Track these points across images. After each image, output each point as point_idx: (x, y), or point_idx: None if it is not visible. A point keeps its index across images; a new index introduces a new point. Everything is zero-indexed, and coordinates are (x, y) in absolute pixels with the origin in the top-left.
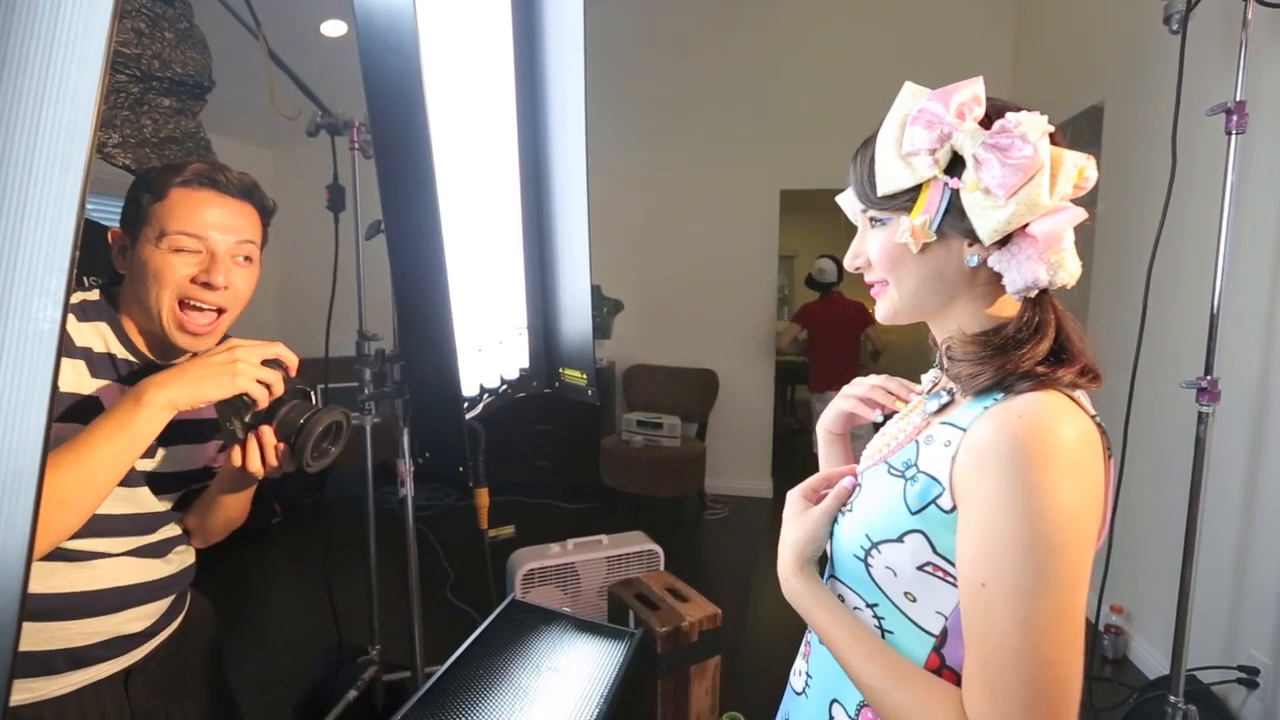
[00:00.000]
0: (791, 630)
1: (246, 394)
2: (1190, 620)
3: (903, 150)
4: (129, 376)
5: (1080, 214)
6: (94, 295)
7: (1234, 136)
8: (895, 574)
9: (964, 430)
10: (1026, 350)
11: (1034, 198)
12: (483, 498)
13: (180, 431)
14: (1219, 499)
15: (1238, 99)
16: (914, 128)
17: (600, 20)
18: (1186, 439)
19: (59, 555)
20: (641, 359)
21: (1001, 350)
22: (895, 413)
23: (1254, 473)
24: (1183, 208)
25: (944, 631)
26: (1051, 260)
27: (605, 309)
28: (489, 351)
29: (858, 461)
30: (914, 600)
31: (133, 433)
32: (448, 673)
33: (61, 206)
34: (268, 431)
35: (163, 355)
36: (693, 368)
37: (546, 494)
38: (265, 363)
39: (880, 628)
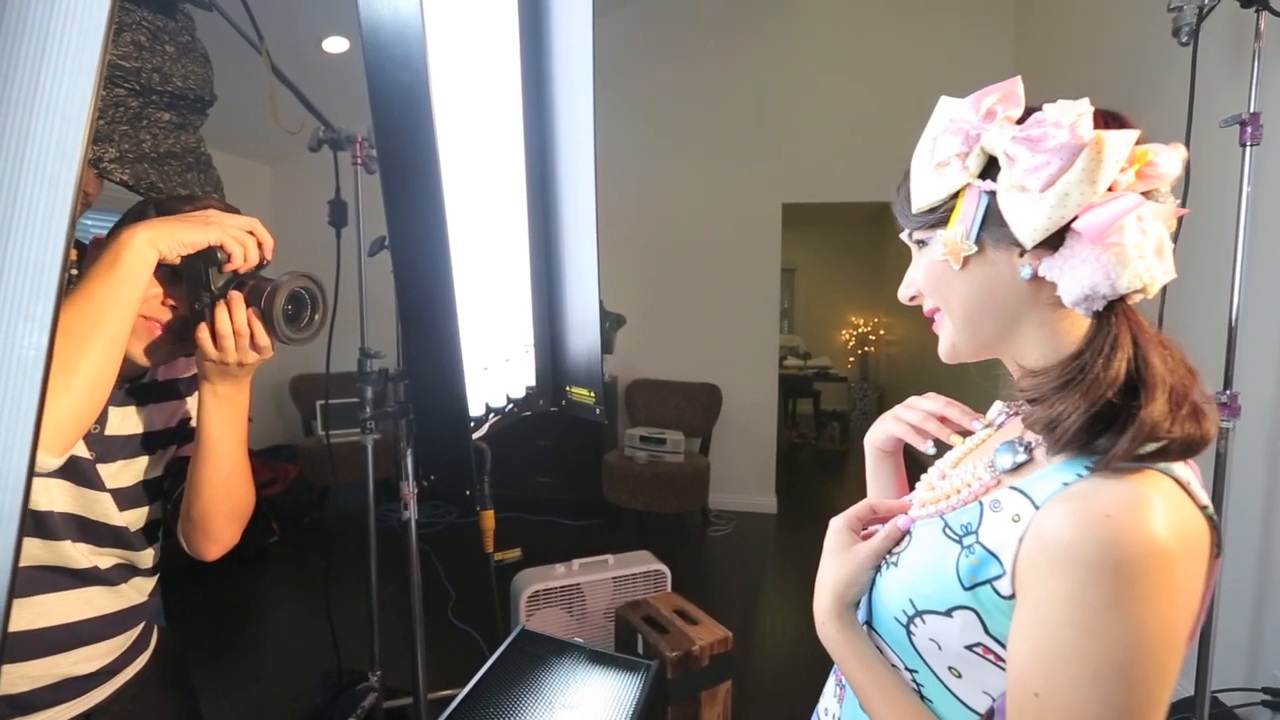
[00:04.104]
0: (802, 651)
1: (222, 247)
2: (1214, 642)
3: (934, 161)
4: None
5: (1137, 201)
6: None
7: (1249, 148)
8: (940, 647)
9: (1036, 507)
10: (1093, 378)
11: (1071, 186)
12: (488, 520)
13: (153, 391)
14: (1238, 516)
15: (1252, 110)
16: (944, 136)
17: (603, 31)
18: (1204, 455)
19: None
20: (644, 374)
21: (1069, 382)
22: (950, 446)
23: (1273, 489)
24: (1194, 220)
25: (990, 711)
26: (1108, 261)
27: (607, 323)
28: (495, 370)
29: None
30: (959, 676)
31: (122, 269)
32: (457, 710)
33: (50, 227)
34: (236, 296)
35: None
36: (695, 382)
37: (548, 510)
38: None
39: (920, 694)
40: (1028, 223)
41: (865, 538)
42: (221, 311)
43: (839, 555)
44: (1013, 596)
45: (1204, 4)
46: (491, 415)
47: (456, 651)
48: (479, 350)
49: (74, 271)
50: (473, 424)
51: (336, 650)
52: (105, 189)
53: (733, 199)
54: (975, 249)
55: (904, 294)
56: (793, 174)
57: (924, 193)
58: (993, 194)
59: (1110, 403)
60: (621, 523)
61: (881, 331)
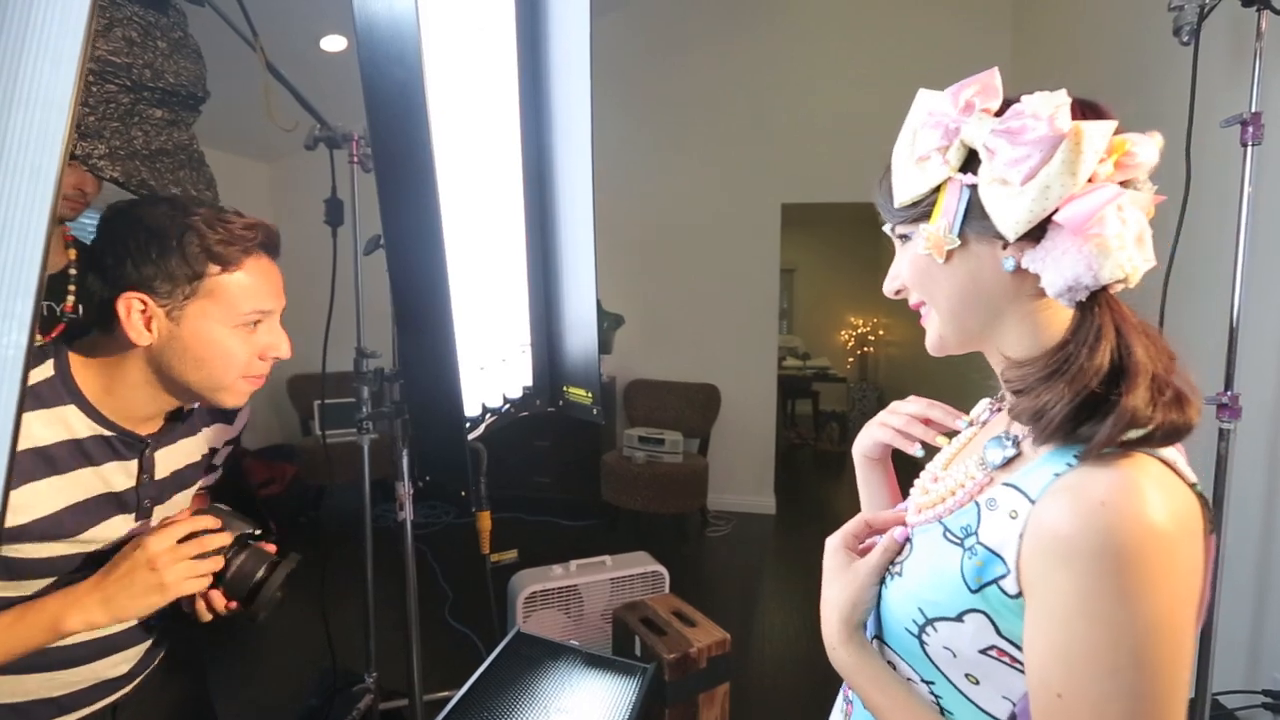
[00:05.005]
0: (801, 653)
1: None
2: (1214, 644)
3: (914, 155)
4: (105, 453)
5: (1116, 192)
6: (45, 370)
7: (1250, 148)
8: (955, 655)
9: (1031, 501)
10: (1078, 367)
11: (1052, 179)
12: (485, 521)
13: (190, 422)
14: (1239, 517)
15: (1253, 110)
16: (923, 130)
17: (601, 32)
18: (1205, 456)
19: None
20: (643, 374)
21: (1055, 372)
22: (937, 448)
23: (1274, 490)
24: (1195, 220)
25: (1012, 717)
26: (1089, 252)
27: (606, 323)
28: (491, 369)
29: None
30: (976, 683)
31: (40, 646)
32: (451, 715)
33: (30, 220)
34: (217, 595)
35: (144, 421)
36: (694, 382)
37: (546, 511)
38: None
39: (939, 706)
40: (1009, 215)
41: (863, 553)
42: (201, 608)
43: (840, 576)
44: (1020, 595)
45: (1205, 3)
46: (488, 415)
47: (453, 652)
48: (475, 350)
49: (72, 271)
50: (469, 424)
51: (332, 651)
52: (106, 188)
53: (731, 199)
54: (958, 242)
55: (889, 288)
56: (791, 174)
57: (905, 187)
58: (974, 187)
59: (1094, 392)
60: (620, 523)
61: (880, 332)
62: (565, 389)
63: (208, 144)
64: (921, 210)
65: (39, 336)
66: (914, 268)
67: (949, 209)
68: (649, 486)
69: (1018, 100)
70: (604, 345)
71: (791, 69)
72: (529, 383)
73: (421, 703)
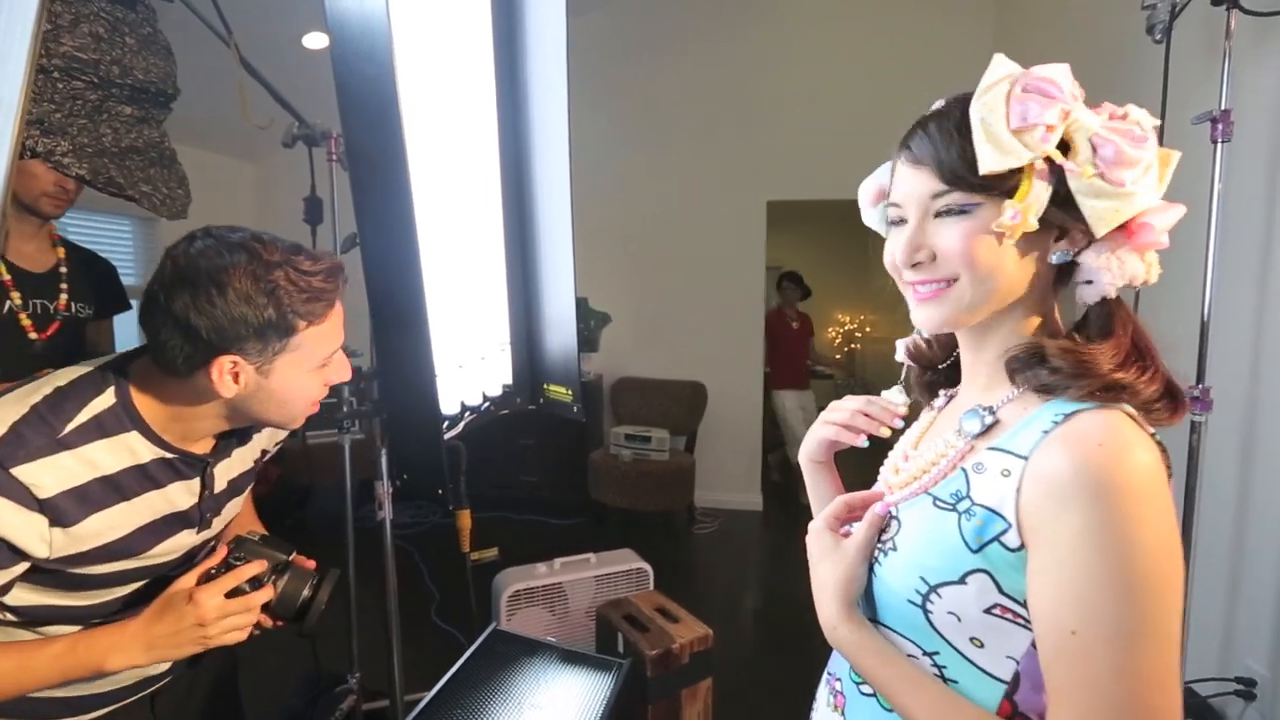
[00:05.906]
0: (785, 647)
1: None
2: (1188, 633)
3: (1012, 125)
4: (169, 475)
5: (1183, 210)
6: (107, 399)
7: (1220, 145)
8: (960, 619)
9: (1024, 458)
10: (1147, 365)
11: (1148, 189)
12: (464, 520)
13: (244, 433)
14: (1211, 508)
15: (1223, 107)
16: (1028, 99)
17: (585, 30)
18: (1177, 448)
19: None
20: (629, 372)
21: (1130, 359)
22: (881, 438)
23: (1246, 481)
24: None
25: (1015, 676)
26: (1150, 258)
27: (593, 322)
28: (470, 368)
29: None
30: (981, 646)
31: (80, 679)
32: (425, 712)
33: None
34: (264, 617)
35: (201, 441)
36: (681, 380)
37: (532, 510)
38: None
39: (942, 676)
40: (1103, 214)
41: (845, 536)
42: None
43: (829, 557)
44: (1021, 548)
45: (1176, 2)
46: (467, 414)
47: (440, 653)
48: (453, 348)
49: (63, 270)
50: (447, 422)
51: (315, 653)
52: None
53: (717, 197)
54: (1036, 227)
55: (911, 257)
56: (776, 172)
57: (995, 156)
58: (1062, 175)
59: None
60: (607, 521)
61: (868, 329)
62: (545, 386)
63: (192, 143)
64: (1004, 185)
65: (36, 335)
66: (971, 244)
67: (1039, 191)
68: (636, 484)
69: (1115, 106)
70: (591, 344)
71: (775, 67)
72: (509, 381)
73: (403, 703)
